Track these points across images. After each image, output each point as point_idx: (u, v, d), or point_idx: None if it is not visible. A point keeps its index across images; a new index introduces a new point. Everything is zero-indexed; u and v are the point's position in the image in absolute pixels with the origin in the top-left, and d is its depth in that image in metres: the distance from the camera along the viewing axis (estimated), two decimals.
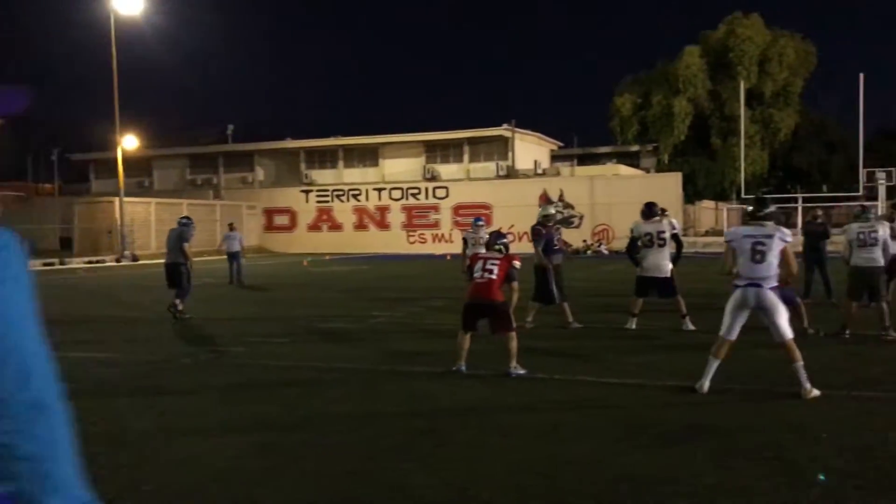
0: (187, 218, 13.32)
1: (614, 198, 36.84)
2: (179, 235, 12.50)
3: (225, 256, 20.29)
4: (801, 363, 6.24)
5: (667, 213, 13.54)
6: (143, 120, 53.85)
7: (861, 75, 36.90)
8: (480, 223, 12.56)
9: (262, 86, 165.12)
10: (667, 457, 4.80)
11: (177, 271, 12.26)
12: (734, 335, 6.46)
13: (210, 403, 6.56)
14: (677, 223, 10.71)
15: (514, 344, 7.40)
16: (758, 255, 6.29)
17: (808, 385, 6.20)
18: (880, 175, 37.85)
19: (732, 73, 49.40)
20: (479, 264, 7.68)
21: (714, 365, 6.47)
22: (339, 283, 20.28)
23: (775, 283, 6.34)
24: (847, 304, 9.54)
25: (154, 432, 5.59)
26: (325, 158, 48.28)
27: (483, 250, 8.50)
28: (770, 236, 6.34)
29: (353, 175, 46.75)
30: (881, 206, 34.45)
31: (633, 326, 10.27)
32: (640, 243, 10.35)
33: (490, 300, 7.48)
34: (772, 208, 6.63)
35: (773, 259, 6.30)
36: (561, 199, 38.03)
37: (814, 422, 5.53)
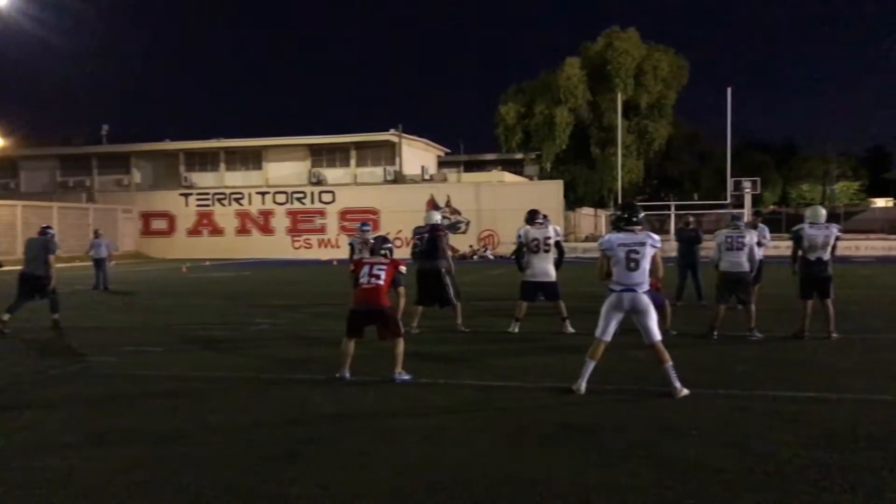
0: (49, 227, 12.39)
1: (499, 204, 37.52)
2: (44, 246, 11.67)
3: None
4: (670, 364, 6.54)
5: (548, 219, 13.91)
6: (9, 118, 50.87)
7: (729, 89, 39.10)
8: (367, 228, 12.50)
9: (139, 85, 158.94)
10: (545, 457, 4.91)
11: (39, 283, 11.52)
12: (609, 337, 6.70)
13: (79, 417, 6.23)
14: (560, 230, 11.02)
15: (400, 349, 7.40)
16: (632, 262, 6.54)
17: (677, 384, 6.50)
18: (746, 184, 40.16)
19: (611, 85, 51.24)
20: (366, 270, 7.63)
21: (590, 366, 6.68)
22: (219, 289, 19.71)
23: (648, 287, 6.62)
24: (715, 306, 10.04)
25: (16, 449, 5.26)
26: (205, 161, 46.96)
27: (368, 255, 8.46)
28: (643, 244, 6.59)
29: (236, 178, 45.68)
30: (747, 213, 36.56)
31: (516, 330, 10.46)
32: (525, 249, 10.57)
33: (378, 306, 7.45)
34: (640, 214, 6.85)
35: (646, 265, 6.56)
36: (448, 204, 38.41)
37: (684, 420, 5.79)
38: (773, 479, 4.43)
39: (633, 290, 6.51)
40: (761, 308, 10.29)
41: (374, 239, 8.65)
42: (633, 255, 6.54)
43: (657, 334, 6.61)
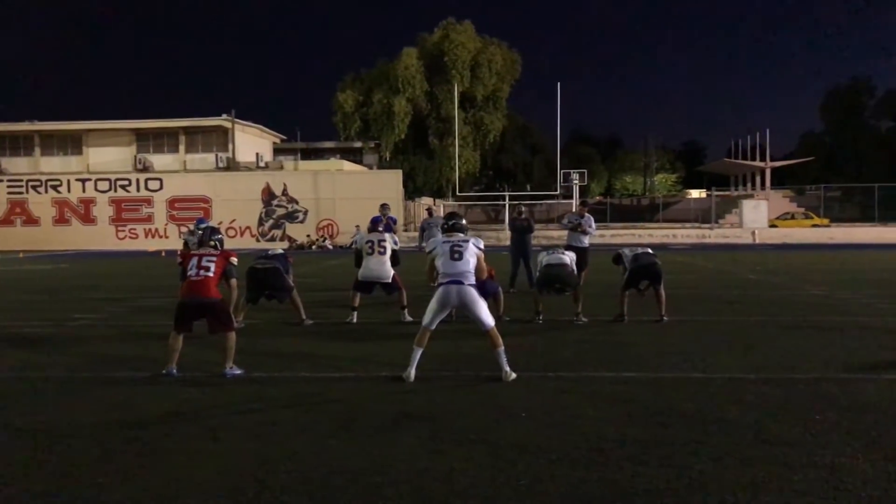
0: None
1: (338, 193, 37.18)
2: None
3: None
4: (502, 349, 6.75)
5: (388, 206, 14.00)
6: None
7: (558, 84, 40.75)
8: (203, 225, 11.97)
9: None
10: (380, 446, 4.89)
11: None
12: (434, 326, 6.92)
13: None
14: (397, 238, 11.20)
15: (231, 343, 7.15)
16: (456, 254, 6.88)
17: (507, 368, 6.72)
18: (574, 176, 42.03)
19: (447, 77, 52.09)
20: (194, 261, 7.33)
21: (418, 353, 6.80)
22: (34, 283, 18.28)
23: (474, 281, 6.82)
24: (535, 294, 10.46)
25: None
26: (17, 145, 43.41)
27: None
28: (466, 241, 7.01)
29: (53, 164, 42.56)
30: (575, 203, 38.31)
31: (354, 320, 10.42)
32: (355, 249, 10.97)
33: (208, 298, 7.15)
34: (462, 221, 7.37)
35: (470, 258, 6.89)
36: (285, 193, 37.61)
37: (514, 403, 5.95)
38: (596, 457, 4.63)
39: (460, 282, 6.73)
40: (586, 293, 10.78)
41: (203, 229, 8.30)
42: (457, 248, 6.91)
43: (490, 321, 6.82)
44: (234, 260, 7.70)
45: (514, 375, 6.72)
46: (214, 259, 7.35)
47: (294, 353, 8.31)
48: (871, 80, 69.20)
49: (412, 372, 6.74)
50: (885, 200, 45.16)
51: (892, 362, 7.44)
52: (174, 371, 7.09)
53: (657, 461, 4.55)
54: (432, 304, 6.85)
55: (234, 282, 7.85)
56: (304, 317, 10.34)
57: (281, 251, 11.06)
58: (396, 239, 11.13)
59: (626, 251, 10.57)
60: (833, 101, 67.44)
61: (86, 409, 6.00)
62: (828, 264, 21.51)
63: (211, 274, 7.24)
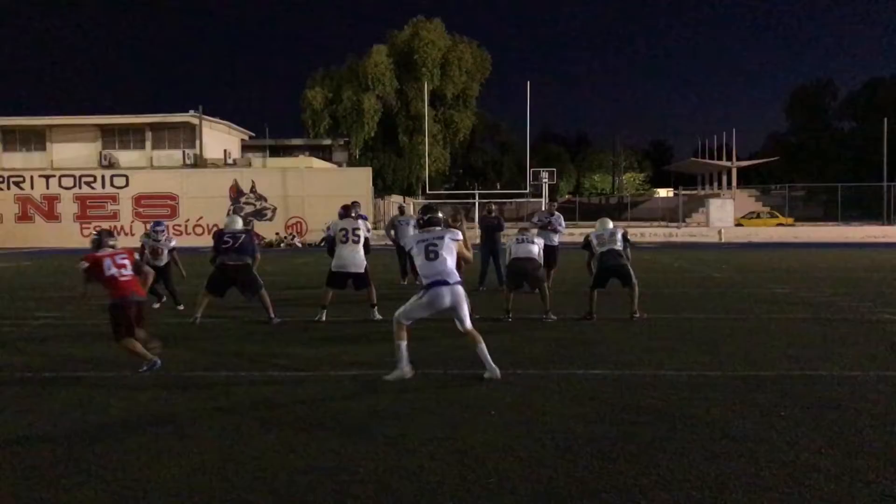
0: None
1: (307, 190, 36.91)
2: None
3: None
4: (483, 345, 6.75)
5: (358, 204, 13.94)
6: None
7: (528, 83, 40.83)
8: (160, 228, 11.83)
9: None
10: (348, 445, 4.86)
11: None
12: (411, 322, 6.83)
13: None
14: (369, 225, 11.07)
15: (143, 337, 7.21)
16: (431, 253, 6.75)
17: (492, 364, 6.69)
18: (544, 174, 42.17)
19: (417, 75, 52.01)
20: (109, 262, 7.32)
21: (403, 346, 6.71)
22: None
23: (459, 277, 6.78)
24: (505, 291, 10.49)
25: None
26: None
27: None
28: (441, 237, 6.86)
29: (15, 160, 41.78)
30: (545, 202, 38.45)
31: (323, 318, 10.35)
32: (330, 238, 10.68)
33: (141, 296, 7.27)
34: (437, 214, 7.19)
35: (447, 255, 6.76)
36: (253, 190, 37.28)
37: (484, 401, 5.95)
38: (565, 455, 4.64)
39: (446, 282, 6.65)
40: (555, 291, 10.83)
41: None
42: (432, 248, 6.78)
43: (470, 321, 6.81)
44: (138, 256, 7.78)
45: (498, 373, 6.69)
46: (126, 257, 7.37)
47: (262, 352, 8.23)
48: (833, 81, 70.44)
49: (407, 367, 6.68)
50: (847, 200, 46.01)
51: (855, 359, 7.56)
52: (158, 362, 7.09)
53: (625, 458, 4.58)
54: (420, 303, 6.70)
55: (146, 269, 7.90)
56: (272, 315, 10.25)
57: (246, 228, 10.86)
58: (369, 226, 11.03)
59: (594, 240, 10.48)
60: (797, 102, 68.53)
61: (47, 410, 5.89)
62: (792, 263, 21.82)
63: (132, 271, 7.26)
